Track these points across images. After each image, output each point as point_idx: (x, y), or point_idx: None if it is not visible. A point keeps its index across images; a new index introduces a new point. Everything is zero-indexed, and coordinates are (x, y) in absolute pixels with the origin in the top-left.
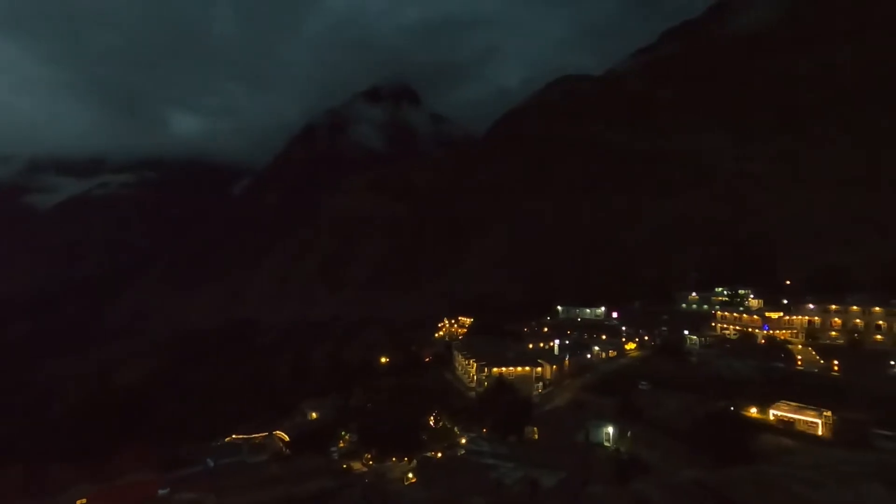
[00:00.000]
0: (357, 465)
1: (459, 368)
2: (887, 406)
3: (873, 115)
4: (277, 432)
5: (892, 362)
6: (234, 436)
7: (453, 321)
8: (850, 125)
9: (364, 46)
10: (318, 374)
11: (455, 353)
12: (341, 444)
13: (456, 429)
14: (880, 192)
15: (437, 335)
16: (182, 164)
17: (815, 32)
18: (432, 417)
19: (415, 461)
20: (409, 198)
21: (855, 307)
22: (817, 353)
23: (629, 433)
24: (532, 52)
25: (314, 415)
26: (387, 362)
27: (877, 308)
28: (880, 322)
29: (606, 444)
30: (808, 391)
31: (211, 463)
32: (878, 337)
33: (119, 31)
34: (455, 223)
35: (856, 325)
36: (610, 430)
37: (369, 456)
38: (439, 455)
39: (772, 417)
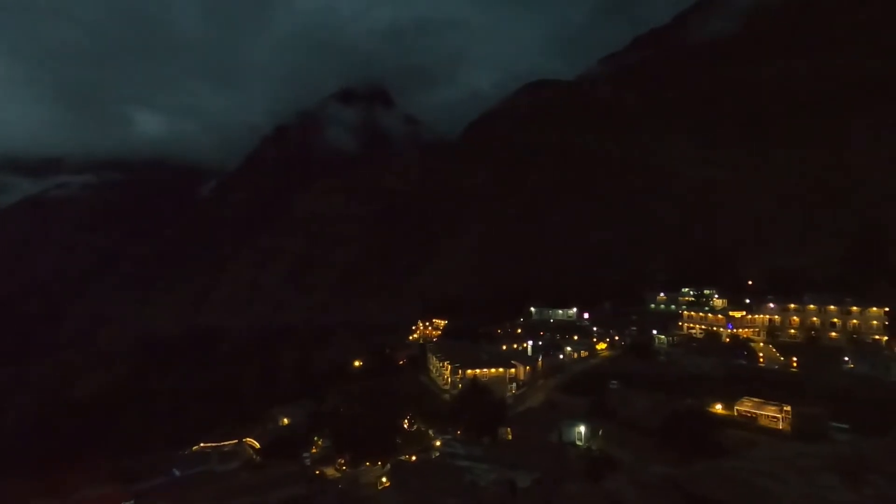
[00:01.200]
0: (330, 471)
1: (434, 371)
2: (842, 400)
3: (829, 124)
4: (248, 440)
5: (846, 358)
6: (202, 444)
7: (427, 324)
8: (808, 133)
9: (335, 47)
10: (290, 379)
11: (429, 355)
12: (314, 450)
13: (430, 431)
14: (835, 196)
15: (410, 338)
16: (146, 164)
17: (773, 44)
18: (406, 421)
19: (389, 465)
20: (382, 200)
21: (812, 306)
22: (778, 351)
23: (601, 432)
24: (503, 57)
25: (286, 421)
26: (360, 366)
27: (832, 307)
28: (835, 320)
29: (579, 443)
30: (769, 387)
31: (177, 473)
32: (833, 334)
33: (78, 25)
34: (428, 226)
35: (813, 323)
36: (582, 429)
37: (343, 461)
38: (413, 458)
39: (736, 413)
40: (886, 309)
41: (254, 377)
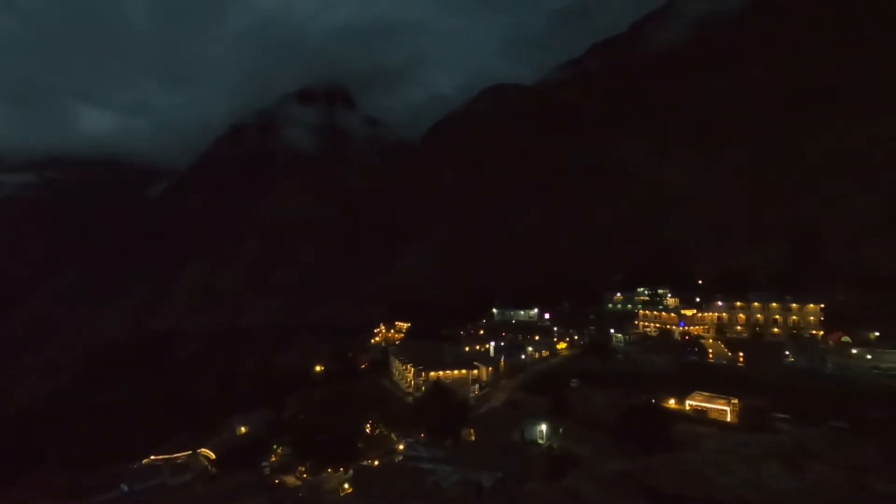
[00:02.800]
0: (290, 480)
1: (396, 374)
2: (783, 392)
3: (774, 131)
4: (202, 450)
5: (787, 352)
6: (152, 457)
7: (390, 326)
8: (755, 139)
9: (294, 46)
10: (248, 386)
11: (392, 358)
12: (273, 459)
13: (393, 435)
14: (779, 200)
15: (373, 341)
16: (92, 163)
17: (722, 54)
18: (369, 425)
19: (351, 471)
20: (344, 202)
21: (756, 304)
22: (726, 347)
23: (561, 430)
24: (464, 60)
25: (243, 429)
26: (322, 370)
27: (774, 304)
28: (777, 317)
29: (540, 441)
30: (718, 382)
31: (125, 488)
32: (776, 330)
33: (16, 15)
34: (390, 228)
35: (757, 319)
36: (543, 427)
37: (303, 469)
38: (376, 463)
39: (688, 407)
40: (822, 305)
41: (211, 384)
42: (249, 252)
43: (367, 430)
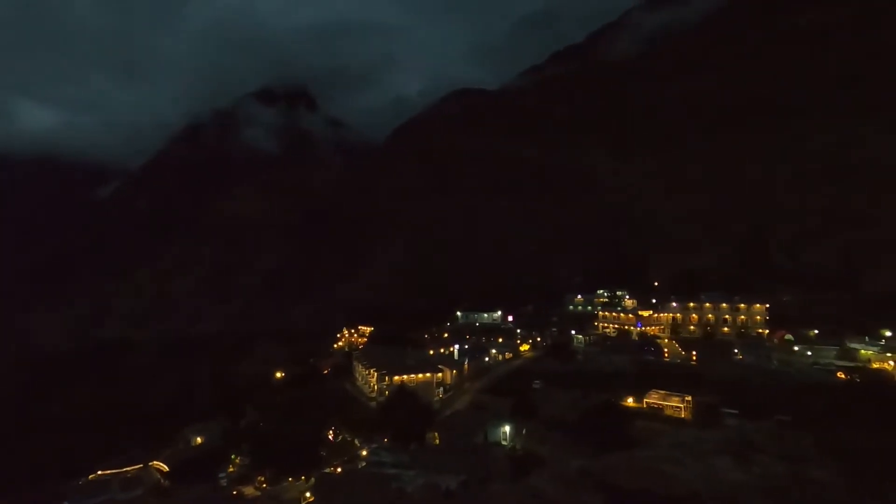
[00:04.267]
0: (249, 490)
1: (360, 379)
2: (733, 389)
3: (724, 141)
4: (155, 463)
5: (736, 350)
6: (99, 472)
7: (353, 331)
8: (705, 148)
9: (254, 44)
10: (204, 394)
11: (355, 363)
12: (231, 469)
13: (356, 441)
14: (731, 205)
15: (336, 346)
16: (33, 162)
17: (675, 65)
18: (331, 431)
19: (313, 479)
20: (306, 204)
21: (708, 304)
22: (680, 346)
23: (524, 430)
24: (429, 64)
25: (199, 440)
26: (282, 377)
27: (724, 305)
28: (727, 317)
29: (504, 442)
30: (673, 380)
31: None
32: (726, 329)
33: None
34: (353, 231)
35: (709, 319)
36: (507, 429)
37: (263, 479)
38: (338, 470)
39: (645, 405)
40: (767, 305)
41: (164, 394)
42: (206, 255)
43: (330, 437)
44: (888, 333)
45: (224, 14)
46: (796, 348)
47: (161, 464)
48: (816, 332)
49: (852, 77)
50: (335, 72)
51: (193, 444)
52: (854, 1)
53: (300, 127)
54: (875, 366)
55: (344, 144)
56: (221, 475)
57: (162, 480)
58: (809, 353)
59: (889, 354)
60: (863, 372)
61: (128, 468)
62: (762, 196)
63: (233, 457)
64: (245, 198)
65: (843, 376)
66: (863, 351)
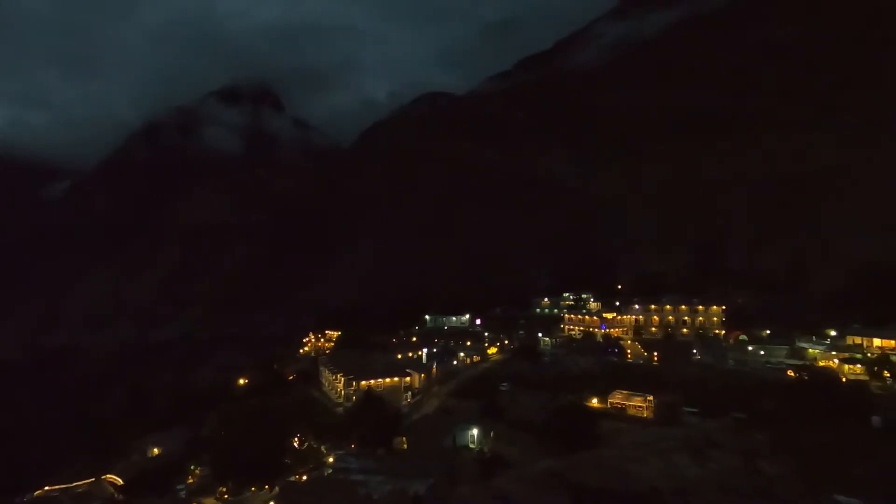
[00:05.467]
0: (210, 501)
1: (326, 384)
2: (692, 388)
3: (682, 149)
4: (108, 476)
5: (694, 351)
6: (47, 487)
7: (319, 335)
8: (665, 156)
9: (217, 42)
10: (162, 403)
11: (321, 368)
12: (190, 480)
13: (323, 448)
14: (689, 210)
15: (302, 351)
16: None
17: (638, 75)
18: (297, 439)
19: (277, 488)
20: (270, 207)
21: (668, 306)
22: (643, 347)
23: (492, 433)
24: (397, 67)
25: (156, 450)
26: (245, 384)
27: (683, 307)
28: (686, 318)
29: (472, 445)
30: (636, 380)
31: None
32: (685, 330)
33: None
34: (320, 234)
35: (669, 321)
36: (475, 432)
37: (224, 489)
38: (304, 478)
39: (609, 405)
40: (724, 307)
41: (118, 403)
42: (164, 260)
43: (295, 444)
44: (833, 333)
45: (184, 9)
46: (750, 348)
47: (114, 477)
48: (769, 332)
49: (801, 90)
50: (302, 73)
51: (150, 456)
52: (806, 18)
53: (265, 128)
54: (821, 364)
55: (310, 146)
56: (180, 487)
57: (115, 494)
58: (762, 352)
59: (834, 353)
60: (810, 370)
61: (78, 483)
62: (718, 202)
63: (192, 467)
64: (206, 200)
65: (792, 374)
66: (810, 350)
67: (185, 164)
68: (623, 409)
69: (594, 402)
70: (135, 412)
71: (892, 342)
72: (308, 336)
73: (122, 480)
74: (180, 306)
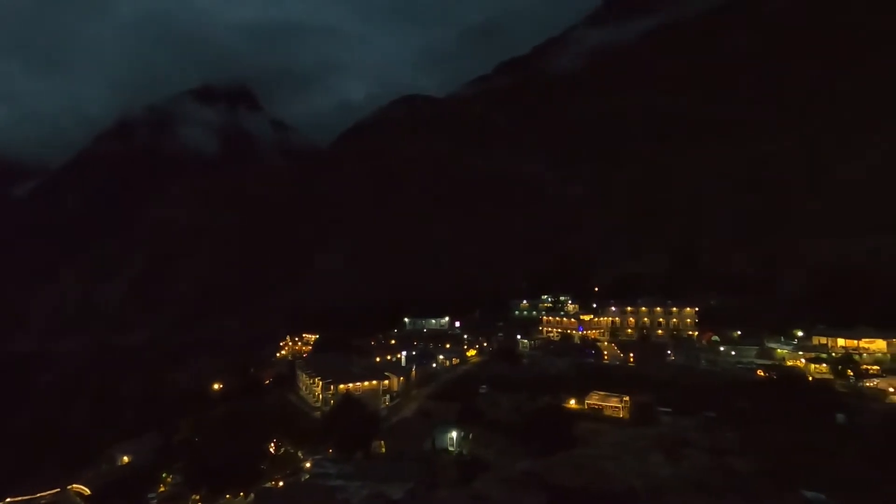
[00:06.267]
0: None
1: (304, 388)
2: (666, 388)
3: (657, 152)
4: (75, 486)
5: (669, 352)
6: (9, 499)
7: (297, 339)
8: (640, 159)
9: (192, 39)
10: (132, 410)
11: (299, 372)
12: (162, 489)
13: (300, 453)
14: (664, 213)
15: (278, 355)
16: None
17: (614, 81)
18: (273, 444)
19: (252, 495)
20: (247, 208)
21: (644, 308)
22: (619, 348)
23: (471, 435)
24: (376, 69)
25: (126, 459)
26: (220, 389)
27: (658, 308)
28: (661, 320)
29: (451, 448)
30: (613, 381)
31: None
32: (660, 332)
33: None
34: (297, 236)
35: (644, 323)
36: (454, 434)
37: (198, 497)
38: (280, 484)
39: (586, 406)
40: (697, 309)
41: (86, 410)
42: (134, 262)
43: (271, 450)
44: (800, 334)
45: (159, 4)
46: (722, 348)
47: (82, 487)
48: (739, 333)
49: (772, 97)
50: (280, 72)
51: (119, 464)
52: (775, 28)
53: (241, 128)
54: (789, 363)
55: (287, 147)
56: (151, 496)
57: None
58: (733, 352)
59: (801, 353)
60: (779, 369)
61: (43, 493)
62: (691, 205)
63: (164, 475)
64: (180, 200)
65: (762, 374)
66: (779, 350)
67: (158, 164)
68: (600, 409)
69: (572, 403)
70: (103, 419)
71: (855, 342)
72: (285, 340)
73: (90, 490)
74: (151, 310)
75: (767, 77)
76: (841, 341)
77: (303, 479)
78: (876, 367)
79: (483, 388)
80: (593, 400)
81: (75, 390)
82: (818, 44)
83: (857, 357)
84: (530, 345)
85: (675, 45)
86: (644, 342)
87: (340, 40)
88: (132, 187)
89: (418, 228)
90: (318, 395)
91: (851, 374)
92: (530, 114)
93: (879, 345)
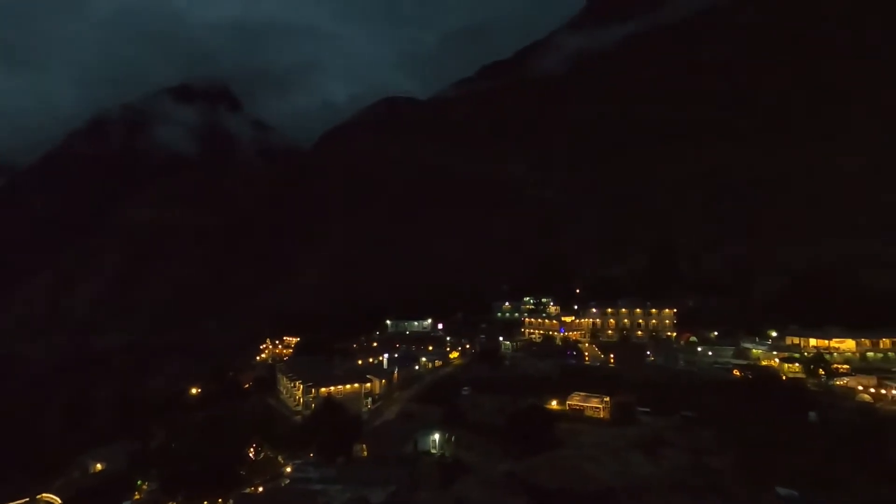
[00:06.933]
0: None
1: (284, 392)
2: (646, 388)
3: (641, 154)
4: (44, 495)
5: (648, 352)
6: None
7: (277, 342)
8: (620, 163)
9: (169, 37)
10: (105, 416)
11: (279, 375)
12: (137, 497)
13: (280, 458)
14: (643, 215)
15: (259, 358)
16: None
17: (595, 86)
18: (252, 449)
19: (231, 501)
20: (226, 209)
21: (624, 310)
22: (600, 349)
23: (453, 438)
24: (358, 70)
25: (99, 466)
26: (198, 393)
27: (638, 310)
28: (640, 321)
29: (433, 451)
30: (593, 382)
31: None
32: (640, 333)
33: None
34: (279, 238)
35: (625, 324)
36: (436, 437)
37: None
38: (260, 489)
39: (567, 407)
40: (675, 310)
41: (57, 417)
42: (108, 263)
43: (251, 455)
44: (774, 334)
45: (137, 0)
46: (699, 349)
47: (52, 496)
48: (716, 333)
49: (747, 103)
50: (261, 72)
51: (92, 472)
52: (749, 37)
53: (221, 127)
54: (764, 363)
55: (268, 147)
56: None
57: None
58: (710, 353)
59: (775, 353)
60: (754, 369)
61: (11, 503)
62: (670, 208)
63: (139, 483)
64: (156, 200)
65: (738, 374)
66: (754, 350)
67: (134, 163)
68: (581, 410)
69: (553, 404)
70: (75, 426)
71: (826, 342)
72: (265, 343)
73: (61, 499)
74: (126, 313)
75: (742, 84)
76: (813, 341)
77: (283, 484)
78: (846, 366)
79: (465, 390)
80: (574, 401)
81: (46, 396)
82: (790, 52)
83: (827, 356)
84: (512, 346)
85: (653, 52)
86: (624, 343)
87: (322, 41)
88: (106, 187)
89: (401, 230)
90: (299, 398)
91: (823, 373)
92: (512, 117)
93: (849, 344)
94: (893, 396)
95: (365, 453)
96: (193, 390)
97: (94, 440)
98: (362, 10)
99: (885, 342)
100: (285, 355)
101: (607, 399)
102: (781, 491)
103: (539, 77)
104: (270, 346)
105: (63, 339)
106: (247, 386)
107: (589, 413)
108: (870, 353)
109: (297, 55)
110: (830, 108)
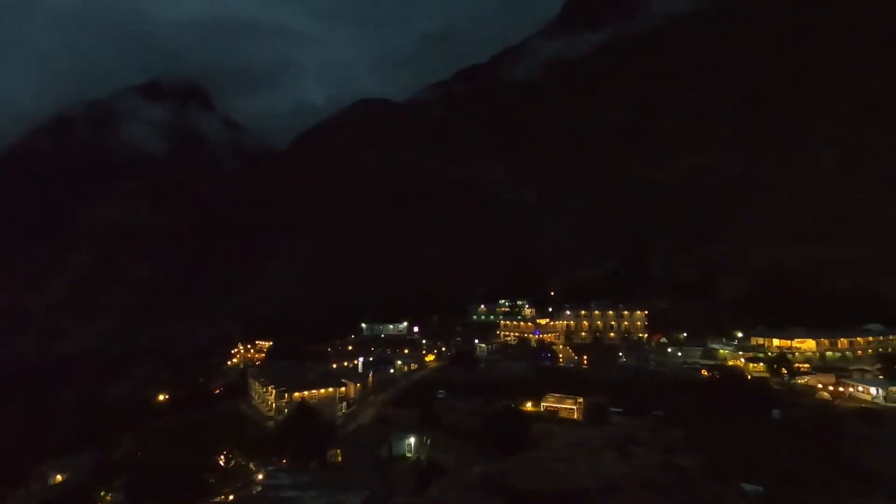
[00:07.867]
0: None
1: (256, 397)
2: (618, 389)
3: (613, 159)
4: None
5: (621, 353)
6: None
7: (249, 346)
8: (593, 168)
9: (137, 33)
10: (67, 424)
11: (251, 380)
12: None
13: (252, 465)
14: (615, 219)
15: (230, 363)
16: None
17: (568, 91)
18: (223, 456)
19: None
20: (196, 210)
21: (597, 312)
22: (573, 351)
23: (429, 441)
24: (334, 72)
25: (59, 477)
26: (166, 399)
27: (610, 312)
28: (613, 323)
29: (409, 454)
30: (567, 383)
31: None
32: (612, 335)
33: None
34: (251, 239)
35: (598, 326)
36: (412, 440)
37: None
38: (231, 497)
39: (542, 409)
40: (646, 312)
41: (16, 425)
42: (72, 265)
43: (221, 462)
44: (740, 335)
45: None
46: (669, 350)
47: None
48: (685, 334)
49: (713, 110)
50: (234, 71)
51: (52, 483)
52: (717, 46)
53: (192, 127)
54: (730, 363)
55: (241, 148)
56: None
57: None
58: (680, 353)
59: (740, 353)
60: (721, 369)
61: None
62: (641, 211)
63: (102, 493)
64: (123, 201)
65: (706, 373)
66: (721, 350)
67: (99, 162)
68: (555, 411)
69: (528, 405)
70: (35, 434)
71: (788, 342)
72: (236, 347)
73: None
74: (90, 317)
75: (710, 91)
76: (776, 341)
77: (255, 492)
78: (806, 366)
79: (441, 393)
80: (549, 402)
81: (4, 403)
82: (757, 61)
83: (790, 356)
84: (488, 349)
85: (623, 60)
86: (597, 345)
87: (297, 41)
88: (70, 186)
89: (376, 233)
90: (272, 403)
91: (785, 372)
92: (487, 120)
93: (809, 344)
94: (850, 394)
95: (339, 458)
96: (161, 396)
97: (55, 450)
98: (338, 12)
99: (843, 342)
100: (257, 360)
101: (581, 400)
102: (747, 487)
103: (513, 82)
104: (242, 351)
105: (26, 344)
106: (217, 391)
107: (563, 414)
108: (829, 353)
109: (272, 55)
110: (795, 116)
